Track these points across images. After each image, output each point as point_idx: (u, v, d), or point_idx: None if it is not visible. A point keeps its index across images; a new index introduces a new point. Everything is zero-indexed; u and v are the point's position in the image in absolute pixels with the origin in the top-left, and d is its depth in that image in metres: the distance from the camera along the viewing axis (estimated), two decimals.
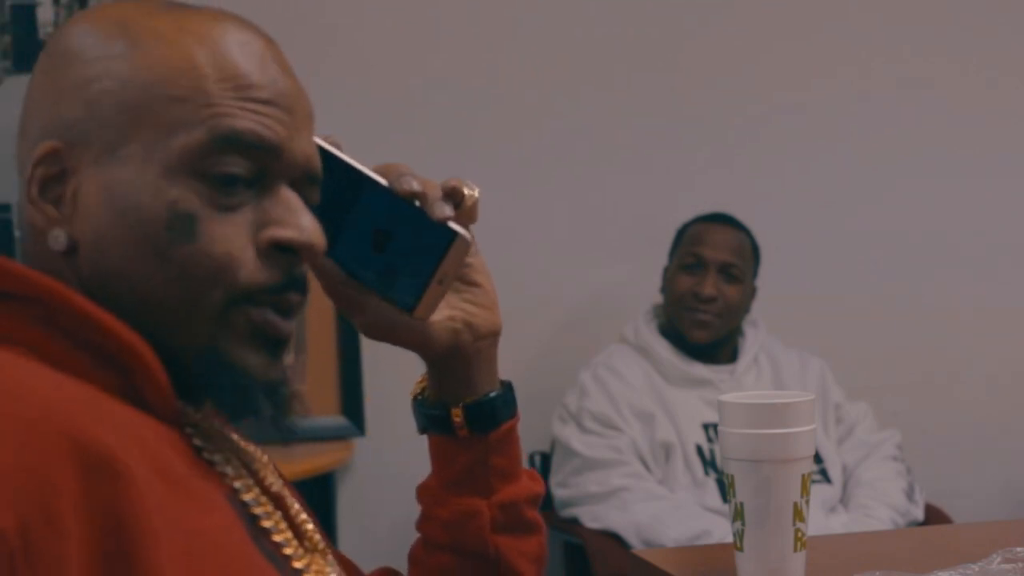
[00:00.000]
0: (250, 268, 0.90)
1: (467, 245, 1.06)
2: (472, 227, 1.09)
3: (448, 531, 1.13)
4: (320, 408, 3.13)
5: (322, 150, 1.02)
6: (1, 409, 0.77)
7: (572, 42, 3.33)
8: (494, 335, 1.13)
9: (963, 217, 3.54)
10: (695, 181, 3.36)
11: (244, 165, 0.90)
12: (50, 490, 0.75)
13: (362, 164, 1.07)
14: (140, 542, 0.77)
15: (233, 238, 0.90)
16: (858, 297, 3.48)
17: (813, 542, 1.28)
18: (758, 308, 3.10)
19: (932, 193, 3.52)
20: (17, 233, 2.95)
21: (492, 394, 1.12)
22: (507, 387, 1.15)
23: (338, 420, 3.16)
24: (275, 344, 0.92)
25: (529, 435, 3.13)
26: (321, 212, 0.97)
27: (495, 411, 1.13)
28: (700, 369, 3.00)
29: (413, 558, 1.17)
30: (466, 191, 1.08)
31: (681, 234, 3.08)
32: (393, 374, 3.28)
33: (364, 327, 1.08)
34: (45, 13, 2.95)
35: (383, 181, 1.05)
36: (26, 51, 2.91)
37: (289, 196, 0.93)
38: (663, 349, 3.01)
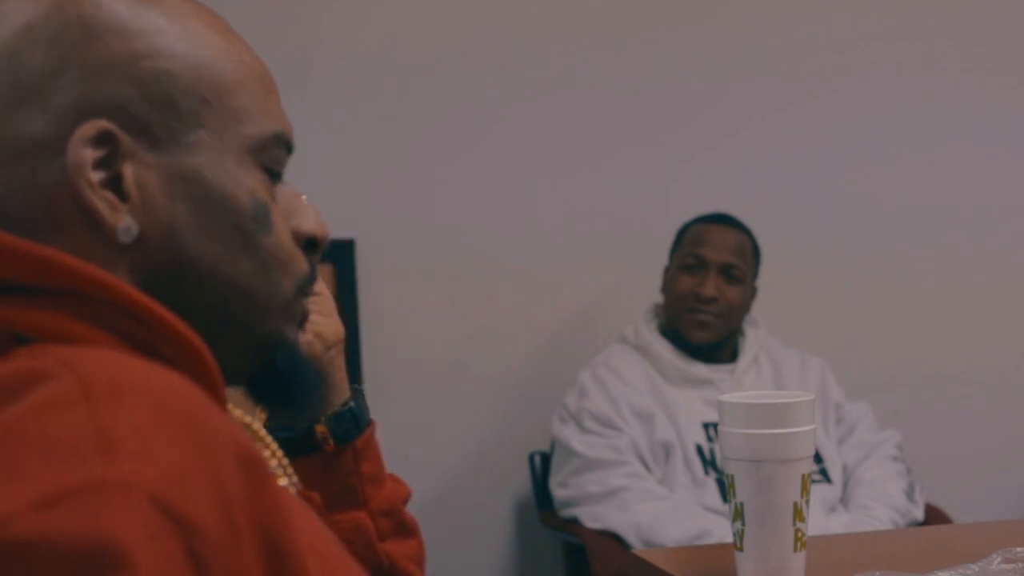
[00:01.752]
0: (302, 260, 0.90)
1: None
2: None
3: None
4: None
5: None
6: (171, 407, 0.70)
7: (572, 42, 3.33)
8: (341, 341, 1.11)
9: (964, 216, 3.54)
10: (695, 181, 3.36)
11: (284, 161, 0.90)
12: (227, 491, 0.70)
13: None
14: (290, 541, 0.74)
15: (287, 231, 0.89)
16: (858, 297, 3.48)
17: (813, 542, 1.28)
18: (758, 308, 3.10)
19: (932, 190, 3.52)
20: None
21: (351, 402, 1.11)
22: (358, 392, 1.13)
23: None
24: (303, 324, 0.93)
25: (529, 435, 3.17)
26: None
27: (356, 418, 1.12)
28: (700, 369, 3.00)
29: None
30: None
31: (682, 234, 3.08)
32: (393, 374, 3.29)
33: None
34: None
35: None
36: None
37: (287, 188, 0.93)
38: (663, 349, 3.01)
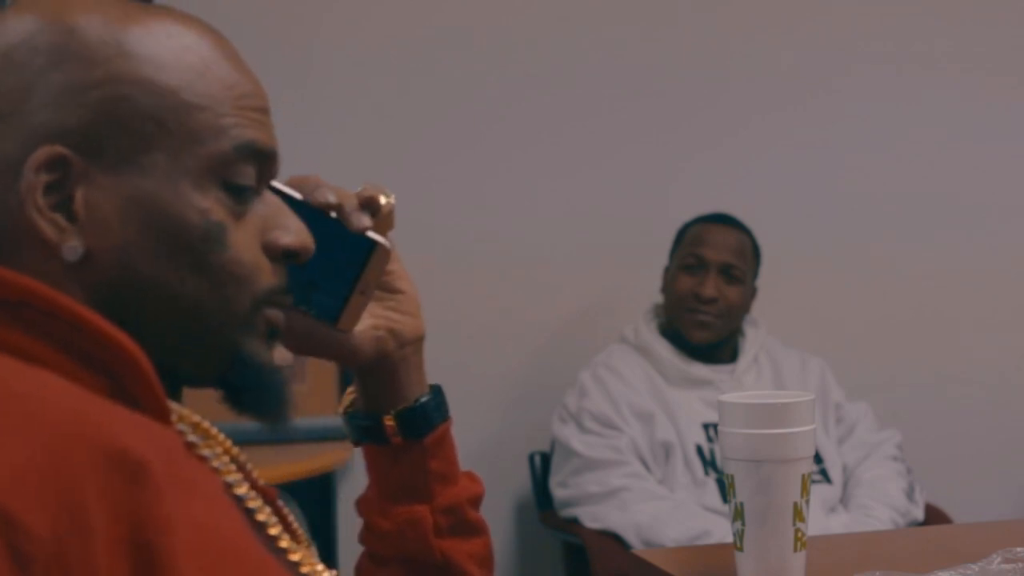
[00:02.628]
0: (267, 273, 0.93)
1: (387, 253, 1.05)
2: (391, 234, 1.08)
3: (391, 542, 1.12)
4: (320, 408, 3.13)
5: None
6: (21, 410, 0.75)
7: (572, 42, 3.33)
8: (419, 340, 1.12)
9: (964, 216, 3.54)
10: (695, 181, 3.36)
11: (254, 174, 0.92)
12: (75, 488, 0.74)
13: (277, 180, 1.05)
14: (162, 538, 0.77)
15: (251, 245, 0.92)
16: (858, 297, 3.48)
17: (813, 542, 1.28)
18: (758, 308, 3.10)
19: (932, 190, 3.52)
20: None
21: (423, 399, 1.12)
22: (437, 390, 1.14)
23: (338, 420, 3.15)
24: (275, 334, 0.95)
25: (529, 435, 3.16)
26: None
27: (427, 416, 1.12)
28: (700, 369, 2.99)
29: (361, 571, 1.16)
30: (383, 199, 1.07)
31: (682, 234, 3.08)
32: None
33: (287, 343, 1.06)
34: None
35: (297, 195, 1.04)
36: None
37: (274, 199, 0.95)
38: (663, 349, 3.01)
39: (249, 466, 0.97)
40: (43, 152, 0.86)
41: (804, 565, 1.25)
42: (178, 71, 0.89)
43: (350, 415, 1.14)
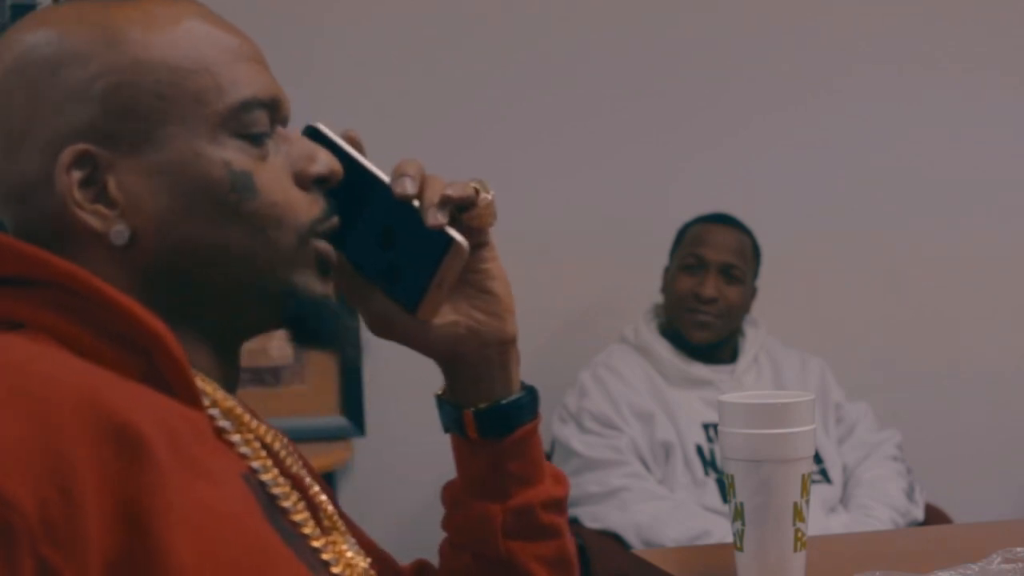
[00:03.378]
0: (304, 206, 0.97)
1: (462, 252, 1.05)
2: (492, 231, 1.09)
3: (464, 533, 1.14)
4: (320, 408, 3.13)
5: (337, 148, 1.05)
6: (12, 384, 0.79)
7: (572, 42, 3.33)
8: (502, 344, 1.10)
9: (964, 215, 3.54)
10: (695, 181, 3.36)
11: (265, 121, 0.96)
12: (65, 462, 0.76)
13: (372, 163, 1.07)
14: (155, 514, 0.78)
15: (282, 183, 0.96)
16: (858, 296, 3.48)
17: (813, 542, 1.28)
18: (758, 308, 3.10)
19: (932, 190, 3.52)
20: None
21: (504, 401, 1.11)
22: (528, 392, 1.13)
23: (338, 420, 3.16)
24: (328, 268, 1.00)
25: None
26: (335, 206, 1.01)
27: (507, 417, 1.12)
28: (700, 369, 2.99)
29: (442, 553, 1.18)
30: (480, 194, 1.07)
31: (682, 234, 3.08)
32: (393, 374, 3.29)
33: (368, 323, 1.09)
34: None
35: (387, 180, 1.05)
36: None
37: (295, 135, 1.00)
38: (663, 349, 3.01)
39: (283, 454, 0.97)
40: (67, 153, 0.91)
41: (804, 565, 1.25)
42: (165, 45, 0.93)
43: (440, 401, 1.14)
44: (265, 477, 0.93)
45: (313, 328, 0.99)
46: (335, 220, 1.00)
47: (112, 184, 0.92)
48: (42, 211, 0.92)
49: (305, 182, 0.98)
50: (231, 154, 0.94)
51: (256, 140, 0.95)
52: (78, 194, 0.91)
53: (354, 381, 3.16)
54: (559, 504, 1.15)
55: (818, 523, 2.60)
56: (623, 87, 3.35)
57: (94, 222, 0.91)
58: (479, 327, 1.09)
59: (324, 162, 0.99)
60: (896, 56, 3.53)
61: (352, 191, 1.05)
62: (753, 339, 3.07)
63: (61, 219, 0.92)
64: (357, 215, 1.05)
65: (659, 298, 3.11)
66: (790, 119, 3.46)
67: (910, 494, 2.94)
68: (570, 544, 1.16)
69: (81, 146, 0.91)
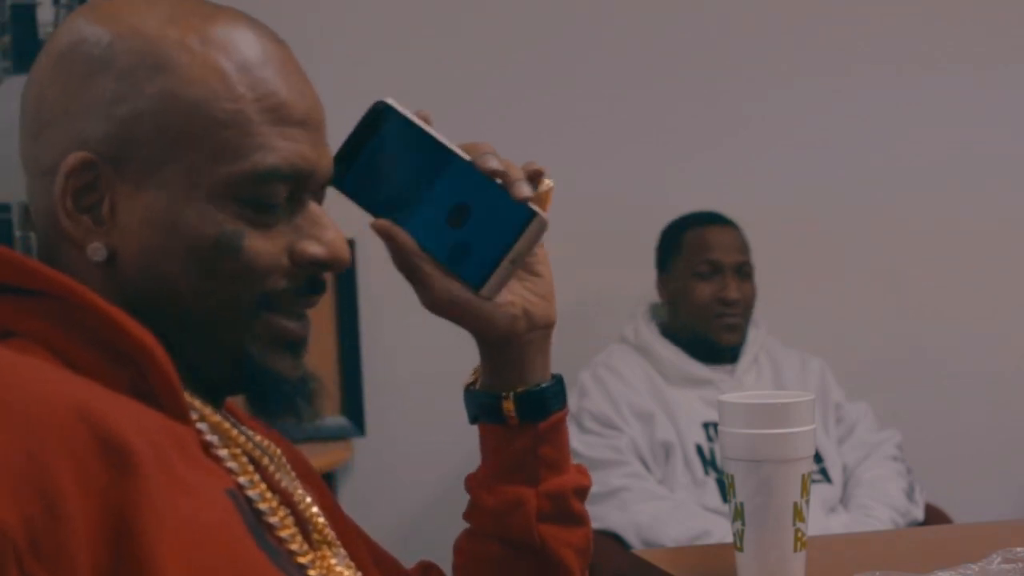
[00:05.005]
0: (277, 276, 0.95)
1: (543, 225, 1.08)
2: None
3: (495, 519, 1.14)
4: (320, 408, 3.13)
5: (410, 124, 1.07)
6: (3, 397, 0.78)
7: (572, 41, 3.33)
8: (548, 327, 1.15)
9: (964, 215, 3.54)
10: (696, 181, 3.35)
11: (283, 192, 0.94)
12: (50, 476, 0.75)
13: (448, 140, 1.08)
14: (143, 527, 0.78)
15: (271, 251, 0.94)
16: (858, 296, 3.48)
17: (813, 542, 1.28)
18: (758, 308, 3.10)
19: (932, 190, 3.52)
20: (18, 233, 2.94)
21: (543, 384, 1.14)
22: (558, 379, 1.17)
23: (338, 420, 3.16)
24: (296, 346, 0.98)
25: None
26: (401, 183, 1.03)
27: (545, 401, 1.14)
28: (700, 369, 2.99)
29: (459, 548, 1.18)
30: (544, 179, 1.11)
31: (677, 241, 3.06)
32: (393, 374, 3.29)
33: (428, 301, 1.09)
34: (45, 13, 2.95)
35: (467, 157, 1.07)
36: (26, 51, 2.91)
37: (317, 211, 0.97)
38: (663, 349, 3.01)
39: (271, 469, 0.97)
40: (73, 157, 0.91)
41: (804, 565, 1.25)
42: (207, 85, 0.92)
43: (471, 392, 1.15)
44: (251, 492, 0.93)
45: (258, 399, 0.97)
46: (314, 300, 0.98)
47: (107, 203, 0.92)
48: (44, 201, 0.93)
49: (299, 259, 0.95)
50: (226, 216, 0.93)
51: (261, 208, 0.94)
52: (69, 201, 0.92)
53: (354, 381, 3.16)
54: (586, 493, 1.18)
55: (818, 523, 2.60)
56: (620, 85, 3.35)
57: (74, 231, 0.92)
58: (532, 309, 1.13)
59: (327, 245, 0.96)
60: (896, 55, 3.52)
61: (421, 169, 1.06)
62: (753, 339, 3.07)
63: (50, 217, 0.93)
64: (426, 192, 1.06)
65: (657, 298, 3.11)
66: (790, 119, 3.46)
67: (910, 494, 2.94)
68: (592, 536, 1.19)
69: (88, 156, 0.91)
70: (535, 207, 1.08)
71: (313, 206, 0.97)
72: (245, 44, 0.94)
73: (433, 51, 3.24)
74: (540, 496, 1.13)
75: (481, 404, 1.14)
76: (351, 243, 3.16)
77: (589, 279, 3.31)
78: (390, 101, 1.08)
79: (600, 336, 3.16)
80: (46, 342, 0.87)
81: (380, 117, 1.08)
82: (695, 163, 3.38)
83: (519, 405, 1.12)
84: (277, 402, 0.97)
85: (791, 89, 3.46)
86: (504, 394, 1.12)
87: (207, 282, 0.93)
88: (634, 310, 3.14)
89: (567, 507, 1.16)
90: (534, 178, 1.10)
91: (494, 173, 1.07)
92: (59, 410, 0.78)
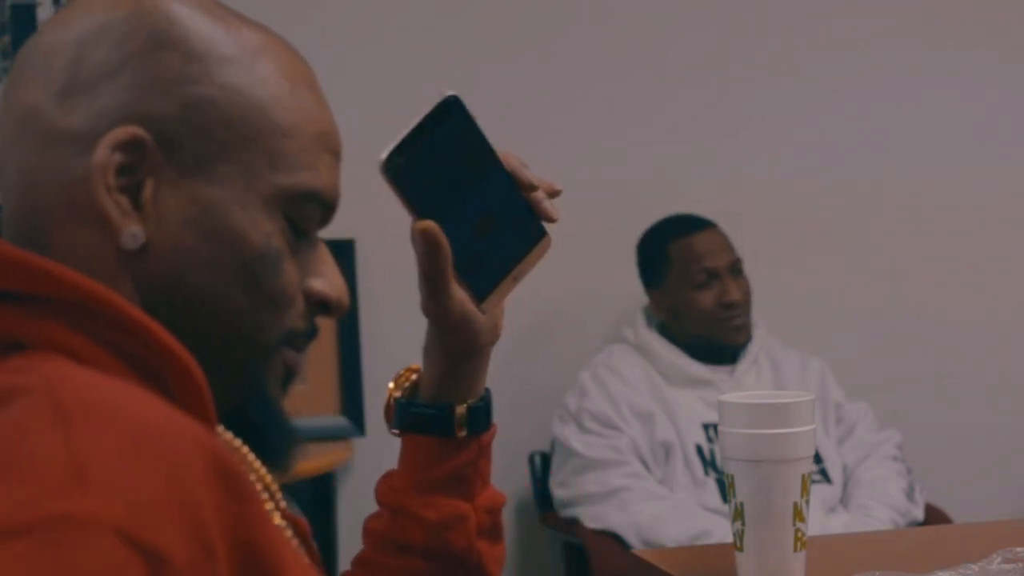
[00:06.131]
0: (299, 313, 0.90)
1: (548, 247, 1.08)
2: None
3: (433, 533, 1.11)
4: (320, 408, 3.13)
5: (472, 123, 1.04)
6: (129, 427, 0.70)
7: (565, 42, 3.33)
8: (495, 342, 1.14)
9: (964, 214, 3.54)
10: (695, 181, 3.35)
11: (316, 220, 0.90)
12: (200, 511, 0.70)
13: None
14: (268, 553, 0.74)
15: (296, 282, 0.89)
16: (858, 296, 3.48)
17: (813, 542, 1.28)
18: (758, 308, 3.10)
19: (931, 189, 3.52)
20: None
21: (487, 397, 1.14)
22: (489, 392, 1.16)
23: (338, 420, 3.16)
24: (291, 379, 0.93)
25: (529, 435, 3.16)
26: (447, 182, 1.01)
27: (489, 413, 1.14)
28: (700, 369, 3.00)
29: (365, 562, 1.15)
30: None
31: (662, 254, 3.05)
32: (393, 374, 3.28)
33: (436, 308, 1.08)
34: (45, 13, 2.95)
35: (507, 167, 1.06)
36: None
37: (324, 249, 0.93)
38: (663, 349, 3.01)
39: (279, 496, 0.94)
40: (124, 131, 0.83)
41: (804, 565, 1.25)
42: (271, 89, 0.87)
43: (415, 403, 1.13)
44: (277, 520, 0.90)
45: (256, 433, 0.90)
46: (310, 342, 0.93)
47: (148, 187, 0.83)
48: (62, 170, 0.84)
49: (311, 297, 0.90)
50: (274, 229, 0.86)
51: (297, 231, 0.88)
52: (112, 177, 0.82)
53: (354, 381, 3.16)
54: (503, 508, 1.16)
55: (818, 523, 2.60)
56: (617, 86, 3.35)
57: (113, 212, 0.83)
58: (495, 324, 1.12)
59: (335, 288, 0.92)
60: (896, 56, 3.52)
61: (469, 172, 1.04)
62: (753, 339, 3.07)
63: (76, 189, 0.83)
64: (464, 196, 1.04)
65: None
66: (790, 119, 3.46)
67: (910, 494, 2.94)
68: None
69: (141, 134, 0.83)
70: (547, 226, 1.07)
71: (322, 244, 0.92)
72: (297, 63, 0.90)
73: (432, 53, 3.24)
74: (478, 511, 1.12)
75: (423, 415, 1.12)
76: (350, 243, 3.18)
77: (588, 279, 3.31)
78: (459, 96, 1.04)
79: (598, 336, 3.16)
80: (71, 353, 0.78)
81: (447, 111, 1.04)
82: (696, 164, 3.38)
83: (471, 417, 1.12)
84: (273, 440, 0.91)
85: (791, 89, 3.46)
86: (459, 406, 1.11)
87: (245, 297, 0.86)
88: (632, 310, 3.14)
89: (498, 522, 1.14)
90: (552, 197, 1.09)
91: (530, 186, 1.06)
92: (188, 436, 0.71)
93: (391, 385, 1.17)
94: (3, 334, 0.79)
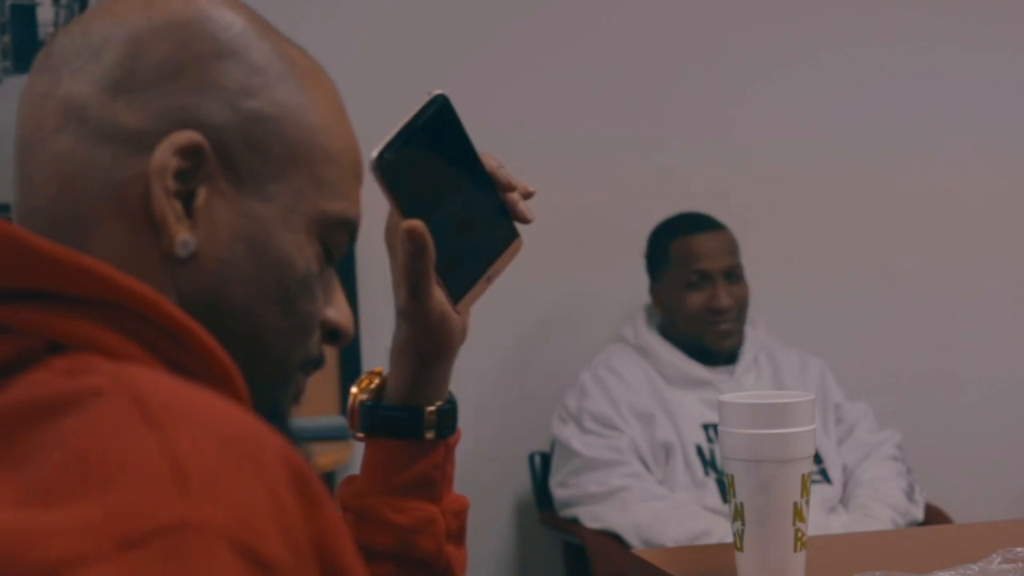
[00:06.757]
0: (317, 340, 0.89)
1: (519, 249, 1.07)
2: None
3: (402, 538, 1.10)
4: (320, 408, 3.13)
5: (458, 123, 1.04)
6: (220, 433, 0.68)
7: (564, 42, 3.33)
8: (462, 343, 1.12)
9: (964, 213, 3.55)
10: (695, 181, 3.35)
11: (343, 249, 0.89)
12: (290, 517, 0.68)
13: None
14: (346, 556, 0.73)
15: (322, 309, 0.89)
16: (858, 296, 3.48)
17: (813, 542, 1.28)
18: (758, 308, 3.10)
19: (931, 188, 3.52)
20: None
21: (454, 399, 1.13)
22: (453, 395, 1.15)
23: (338, 420, 3.16)
24: (298, 401, 0.92)
25: (529, 435, 3.16)
26: (433, 181, 1.01)
27: (455, 417, 1.13)
28: (700, 370, 2.99)
29: None
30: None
31: (664, 250, 3.05)
32: None
33: (415, 309, 1.07)
34: (45, 13, 2.95)
35: (486, 167, 1.06)
36: (26, 51, 2.91)
37: (336, 277, 0.92)
38: (663, 350, 3.01)
39: None
40: (185, 136, 0.81)
41: (804, 565, 1.25)
42: (320, 113, 0.86)
43: (381, 406, 1.12)
44: None
45: None
46: (315, 370, 0.91)
47: (201, 197, 0.81)
48: (112, 167, 0.81)
49: (326, 325, 0.90)
50: (313, 253, 0.86)
51: (327, 258, 0.88)
52: (170, 180, 0.80)
53: (353, 380, 3.16)
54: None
55: (818, 523, 2.60)
56: (621, 81, 3.35)
57: (171, 218, 0.80)
58: (464, 326, 1.11)
59: (347, 318, 0.91)
60: (895, 56, 3.52)
61: (454, 172, 1.04)
62: (753, 339, 3.07)
63: (127, 189, 0.81)
64: (448, 195, 1.05)
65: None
66: (790, 118, 3.46)
67: (910, 494, 2.94)
68: None
69: (201, 140, 0.81)
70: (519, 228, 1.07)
71: (334, 272, 0.91)
72: (334, 88, 0.89)
73: (431, 53, 3.24)
74: (446, 514, 1.11)
75: (392, 418, 1.11)
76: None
77: (587, 279, 3.31)
78: (447, 95, 1.04)
79: (598, 336, 3.16)
80: (112, 354, 0.75)
81: (435, 110, 1.04)
82: (695, 163, 3.38)
83: (439, 419, 1.11)
84: None
85: (792, 89, 3.46)
86: (429, 408, 1.11)
87: (280, 319, 0.85)
88: (633, 311, 3.14)
89: (463, 525, 1.13)
90: (526, 199, 1.09)
91: (509, 186, 1.06)
92: (266, 438, 0.69)
93: (354, 389, 1.15)
94: (39, 335, 0.76)
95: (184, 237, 0.81)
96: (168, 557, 0.62)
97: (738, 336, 3.03)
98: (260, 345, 0.84)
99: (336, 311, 0.90)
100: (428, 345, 1.10)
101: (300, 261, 0.85)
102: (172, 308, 0.77)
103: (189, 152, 0.81)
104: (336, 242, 0.87)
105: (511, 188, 1.07)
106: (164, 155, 0.80)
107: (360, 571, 0.73)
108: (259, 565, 0.64)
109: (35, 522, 0.63)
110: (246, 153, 0.83)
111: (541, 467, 3.10)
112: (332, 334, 0.91)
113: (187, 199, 0.81)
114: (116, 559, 0.61)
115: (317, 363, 0.90)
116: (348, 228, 0.88)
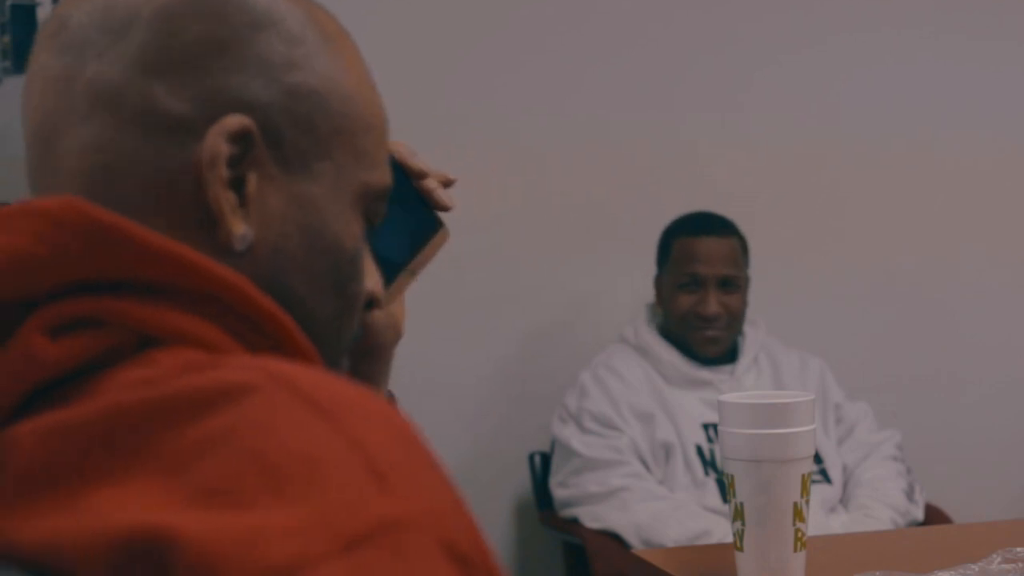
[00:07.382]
0: (359, 316, 0.86)
1: (445, 239, 1.03)
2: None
3: None
4: None
5: None
6: (398, 427, 0.65)
7: (561, 40, 3.33)
8: (397, 341, 1.08)
9: (964, 213, 3.54)
10: (695, 181, 3.35)
11: (380, 218, 0.85)
12: (466, 509, 0.66)
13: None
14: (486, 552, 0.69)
15: (365, 287, 0.85)
16: (858, 296, 3.48)
17: (813, 542, 1.28)
18: (758, 308, 3.10)
19: (931, 187, 3.52)
20: None
21: (392, 399, 1.10)
22: (392, 395, 1.13)
23: None
24: None
25: (529, 435, 3.16)
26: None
27: None
28: (700, 370, 2.99)
29: None
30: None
31: (667, 246, 3.05)
32: (392, 374, 3.28)
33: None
34: (45, 13, 2.95)
35: (396, 156, 1.01)
36: (26, 51, 2.91)
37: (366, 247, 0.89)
38: (663, 350, 3.01)
39: None
40: (235, 120, 0.75)
41: (804, 565, 1.25)
42: (354, 79, 0.81)
43: None
44: None
45: None
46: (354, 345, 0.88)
47: (252, 181, 0.76)
48: (155, 156, 0.75)
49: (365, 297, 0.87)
50: (358, 228, 0.81)
51: (368, 230, 0.83)
52: (224, 169, 0.74)
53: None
54: None
55: (818, 523, 2.60)
56: (621, 80, 3.35)
57: (228, 211, 0.75)
58: (396, 322, 1.06)
59: (379, 286, 0.89)
60: (894, 54, 3.52)
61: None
62: (753, 339, 3.07)
63: (175, 179, 0.75)
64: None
65: (653, 298, 3.11)
66: (790, 117, 3.45)
67: (910, 494, 2.94)
68: None
69: (250, 122, 0.75)
70: (442, 217, 1.03)
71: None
72: (360, 55, 0.84)
73: (430, 54, 3.24)
74: None
75: None
76: None
77: (590, 279, 3.31)
78: None
79: (598, 336, 3.16)
80: (205, 345, 0.71)
81: None
82: (695, 163, 3.38)
83: None
84: None
85: (792, 88, 3.45)
86: None
87: (333, 302, 0.81)
88: (634, 311, 3.14)
89: None
90: (447, 187, 1.03)
91: (421, 174, 1.01)
92: (418, 431, 0.67)
93: None
94: (131, 328, 0.70)
95: (242, 231, 0.75)
96: (393, 554, 0.60)
97: (724, 346, 3.01)
98: (314, 331, 0.79)
99: (370, 280, 0.87)
100: (362, 342, 1.05)
101: (349, 241, 0.80)
102: (263, 299, 0.73)
103: (238, 137, 0.75)
104: (377, 213, 0.83)
105: (423, 175, 1.02)
106: (215, 143, 0.74)
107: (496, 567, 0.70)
108: (460, 561, 0.62)
109: (238, 524, 0.59)
110: (293, 132, 0.78)
111: (541, 467, 3.10)
112: (367, 303, 0.88)
113: (238, 187, 0.76)
114: (342, 558, 0.59)
115: (357, 338, 0.87)
116: (386, 196, 0.84)
